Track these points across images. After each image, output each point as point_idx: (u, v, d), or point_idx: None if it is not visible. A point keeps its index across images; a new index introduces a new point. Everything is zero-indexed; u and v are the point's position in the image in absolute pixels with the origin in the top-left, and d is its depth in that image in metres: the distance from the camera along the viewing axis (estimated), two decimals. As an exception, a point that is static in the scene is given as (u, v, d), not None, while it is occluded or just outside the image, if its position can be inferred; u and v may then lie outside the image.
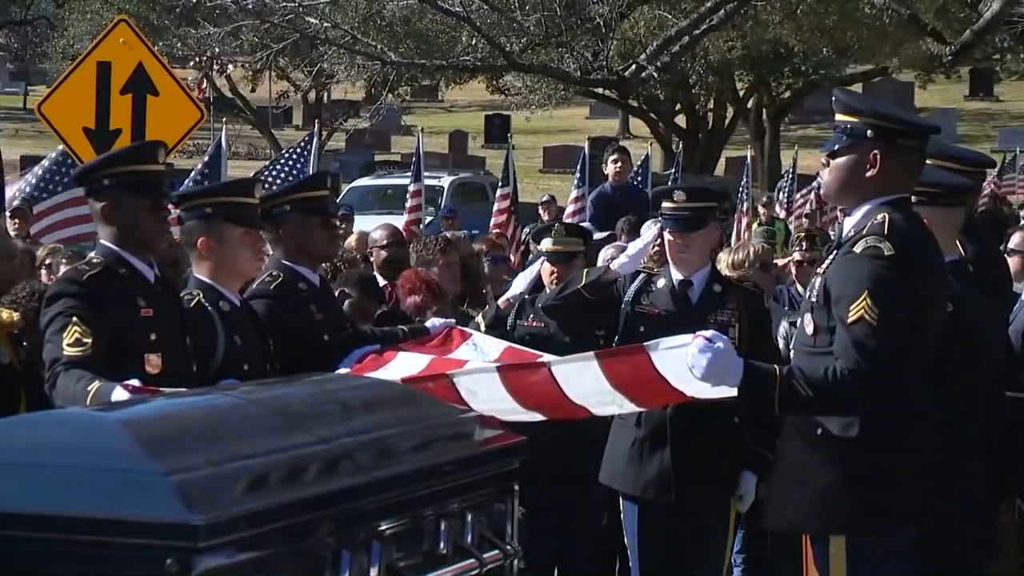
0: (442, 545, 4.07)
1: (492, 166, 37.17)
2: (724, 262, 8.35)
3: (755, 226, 20.16)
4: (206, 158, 13.70)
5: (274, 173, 14.71)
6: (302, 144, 15.50)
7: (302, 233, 6.35)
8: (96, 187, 5.53)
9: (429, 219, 21.41)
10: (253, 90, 45.36)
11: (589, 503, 7.55)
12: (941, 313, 4.97)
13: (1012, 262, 7.18)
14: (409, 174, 18.54)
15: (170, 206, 5.72)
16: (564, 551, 7.64)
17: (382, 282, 8.99)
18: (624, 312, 6.89)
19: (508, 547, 4.33)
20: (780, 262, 10.82)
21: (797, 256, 10.27)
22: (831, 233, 15.44)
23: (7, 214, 14.16)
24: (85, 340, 5.14)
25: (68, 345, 5.14)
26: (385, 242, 9.66)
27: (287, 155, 15.44)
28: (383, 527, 3.85)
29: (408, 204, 17.65)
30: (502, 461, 4.46)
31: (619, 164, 15.26)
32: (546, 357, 5.58)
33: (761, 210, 22.38)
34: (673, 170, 23.54)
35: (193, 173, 13.76)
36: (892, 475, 4.86)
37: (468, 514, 4.18)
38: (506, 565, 4.30)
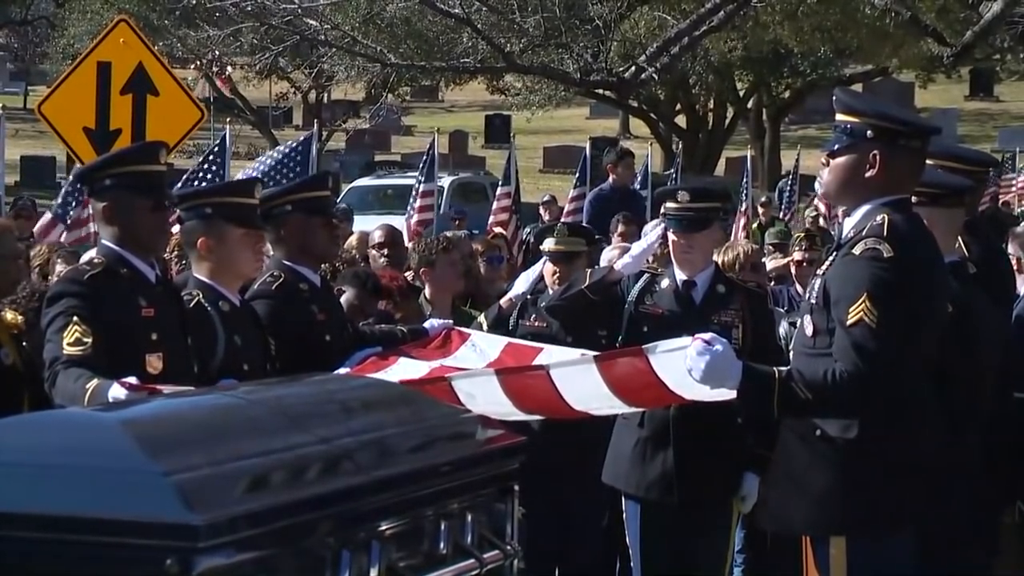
0: (442, 545, 4.07)
1: (492, 166, 37.18)
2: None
3: (754, 227, 20.17)
4: (210, 156, 13.65)
5: (272, 170, 14.62)
6: (299, 145, 15.39)
7: (303, 233, 6.35)
8: (98, 187, 5.53)
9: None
10: (270, 86, 45.33)
11: (589, 503, 7.56)
12: (941, 315, 4.96)
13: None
14: (411, 174, 18.23)
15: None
16: (564, 551, 7.64)
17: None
18: (627, 312, 6.89)
19: (508, 547, 4.33)
20: (780, 262, 10.82)
21: (797, 256, 10.28)
22: (833, 232, 15.44)
23: (11, 214, 14.19)
24: (85, 340, 5.15)
25: (68, 344, 5.15)
26: (380, 242, 9.67)
27: (284, 154, 15.33)
28: (383, 527, 3.85)
29: (417, 204, 17.31)
30: (502, 461, 4.46)
31: (620, 169, 15.24)
32: (546, 351, 5.58)
33: (761, 210, 22.37)
34: (673, 170, 23.54)
35: (191, 172, 13.67)
36: (891, 477, 4.86)
37: (468, 514, 4.17)
38: (506, 565, 4.29)
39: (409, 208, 17.36)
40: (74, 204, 12.99)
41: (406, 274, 9.20)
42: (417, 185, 17.36)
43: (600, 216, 14.38)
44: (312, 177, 9.29)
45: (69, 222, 12.87)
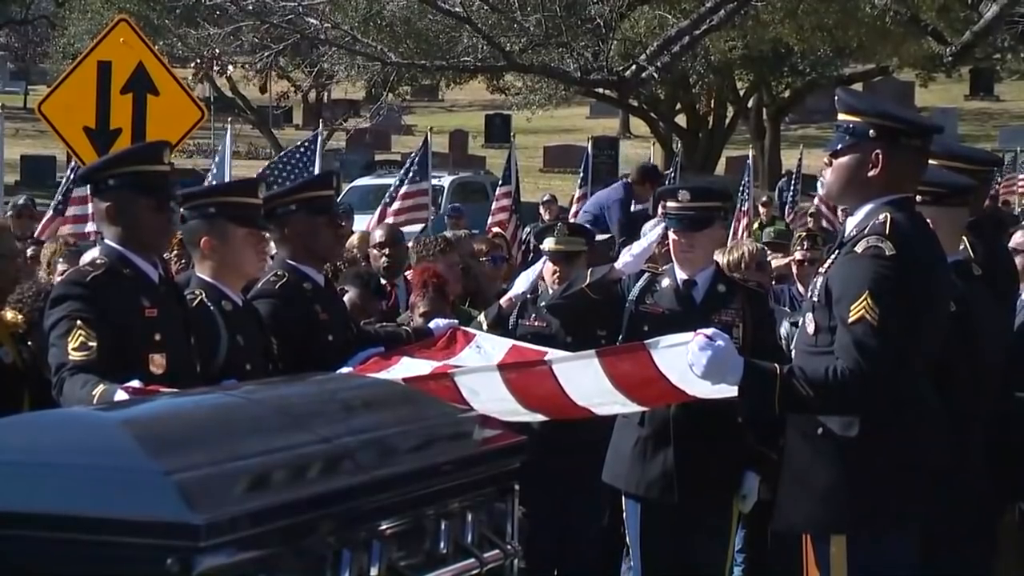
0: (442, 545, 4.07)
1: (492, 165, 37.20)
2: (720, 263, 8.36)
3: (755, 227, 20.18)
4: (216, 159, 13.66)
5: (276, 171, 14.61)
6: (306, 144, 15.37)
7: (307, 233, 6.34)
8: (101, 187, 5.53)
9: (431, 219, 21.29)
10: (263, 91, 45.43)
11: (589, 503, 7.56)
12: (943, 313, 4.96)
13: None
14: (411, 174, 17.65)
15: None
16: (563, 551, 7.64)
17: (382, 281, 9.00)
18: (628, 311, 6.89)
19: (508, 547, 4.33)
20: (781, 262, 10.82)
21: (798, 256, 10.28)
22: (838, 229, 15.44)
23: (12, 213, 14.19)
24: (90, 344, 5.13)
25: (73, 350, 5.14)
26: (380, 241, 9.67)
27: (289, 154, 15.32)
28: (384, 526, 3.85)
29: (395, 206, 16.41)
30: (502, 461, 4.46)
31: (644, 187, 15.28)
32: (551, 354, 5.56)
33: (761, 210, 22.38)
34: (672, 170, 23.55)
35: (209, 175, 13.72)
36: (893, 475, 4.86)
37: (468, 514, 4.17)
38: (506, 565, 4.30)
39: (383, 207, 16.46)
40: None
41: (406, 274, 9.20)
42: (398, 185, 16.82)
43: (613, 218, 14.42)
44: (316, 176, 9.28)
45: (66, 214, 12.90)
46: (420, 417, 4.40)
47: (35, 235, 13.24)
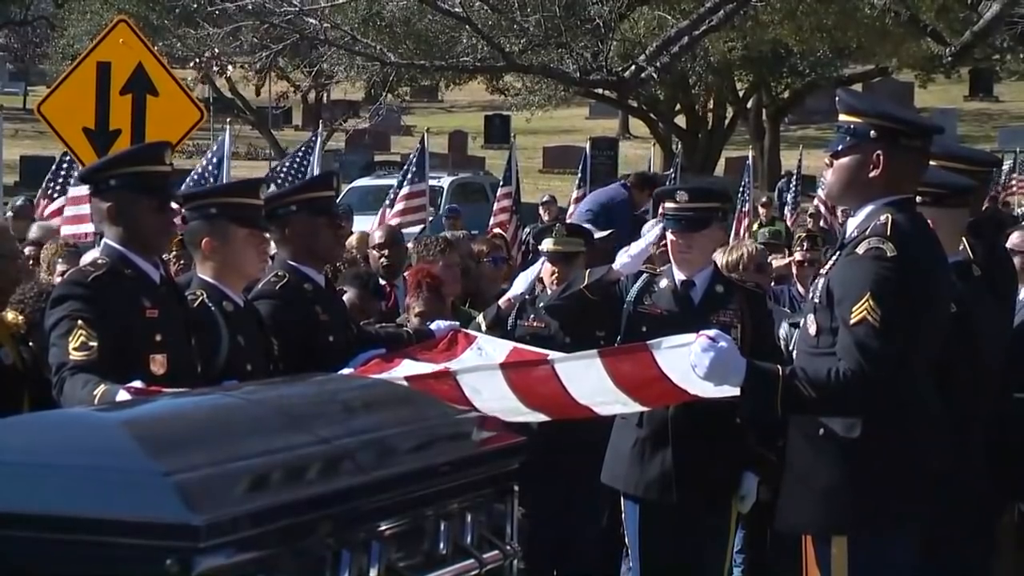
0: (442, 545, 4.07)
1: (492, 166, 37.21)
2: (719, 263, 8.36)
3: (755, 227, 20.18)
4: (213, 159, 13.64)
5: (280, 175, 14.62)
6: (307, 145, 15.36)
7: (308, 233, 6.35)
8: (102, 187, 5.53)
9: (430, 219, 21.32)
10: (258, 93, 45.45)
11: (589, 503, 7.56)
12: (944, 314, 4.96)
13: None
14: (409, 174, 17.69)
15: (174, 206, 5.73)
16: (564, 551, 7.65)
17: (381, 282, 9.00)
18: (626, 312, 6.89)
19: (508, 547, 4.33)
20: (781, 262, 10.83)
21: (798, 256, 10.29)
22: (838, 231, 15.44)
23: (10, 214, 14.20)
24: (91, 344, 5.14)
25: (74, 349, 5.14)
26: (380, 242, 9.68)
27: (291, 157, 15.32)
28: (383, 527, 3.85)
29: (398, 207, 16.52)
30: (502, 461, 4.46)
31: (642, 195, 15.27)
32: (552, 355, 5.57)
33: (761, 210, 22.39)
34: (672, 170, 23.56)
35: (195, 171, 13.70)
36: (894, 476, 4.86)
37: (468, 514, 4.17)
38: (506, 565, 4.30)
39: (384, 209, 16.56)
40: (59, 188, 13.02)
41: (405, 274, 9.20)
42: (397, 187, 16.87)
43: (618, 218, 14.41)
44: (317, 177, 9.28)
45: (51, 210, 12.89)
46: (420, 418, 4.40)
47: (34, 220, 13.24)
